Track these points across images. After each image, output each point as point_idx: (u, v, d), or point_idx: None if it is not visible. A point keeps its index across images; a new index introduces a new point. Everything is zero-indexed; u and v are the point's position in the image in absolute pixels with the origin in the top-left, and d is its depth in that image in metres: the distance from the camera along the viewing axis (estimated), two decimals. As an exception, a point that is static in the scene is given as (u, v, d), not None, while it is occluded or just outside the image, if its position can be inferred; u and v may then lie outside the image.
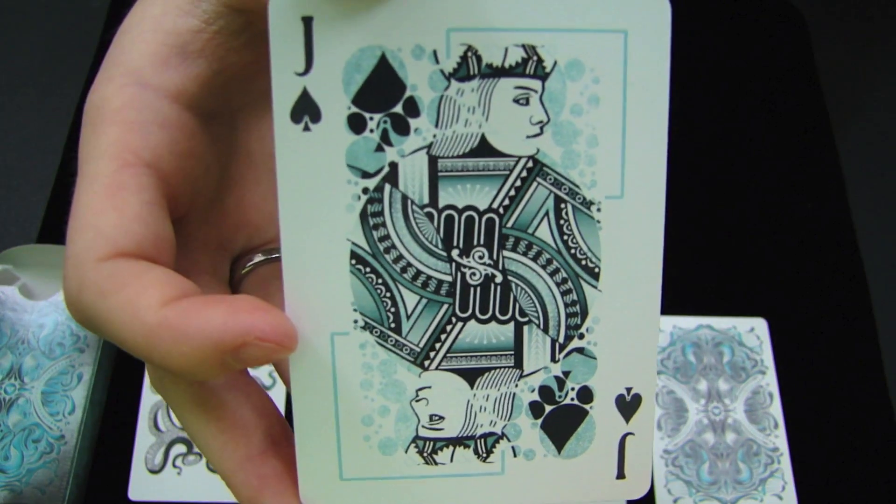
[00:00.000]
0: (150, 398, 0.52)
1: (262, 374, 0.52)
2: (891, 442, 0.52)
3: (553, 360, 0.22)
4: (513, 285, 0.22)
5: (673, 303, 0.55)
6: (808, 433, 0.52)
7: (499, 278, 0.22)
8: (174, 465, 0.50)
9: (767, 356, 0.54)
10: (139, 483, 0.49)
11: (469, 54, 0.20)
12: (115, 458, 0.50)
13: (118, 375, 0.53)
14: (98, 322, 0.19)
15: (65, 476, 0.48)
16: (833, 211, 0.60)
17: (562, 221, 0.21)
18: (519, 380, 0.22)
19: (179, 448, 0.50)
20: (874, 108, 0.70)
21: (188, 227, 0.23)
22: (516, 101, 0.20)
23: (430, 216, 0.21)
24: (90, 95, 0.21)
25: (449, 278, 0.21)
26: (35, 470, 0.48)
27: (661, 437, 0.51)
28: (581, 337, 0.22)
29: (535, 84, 0.20)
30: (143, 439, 0.51)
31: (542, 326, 0.22)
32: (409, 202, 0.21)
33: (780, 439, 0.51)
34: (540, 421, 0.23)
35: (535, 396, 0.23)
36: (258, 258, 0.25)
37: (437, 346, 0.22)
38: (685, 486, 0.50)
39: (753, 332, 0.55)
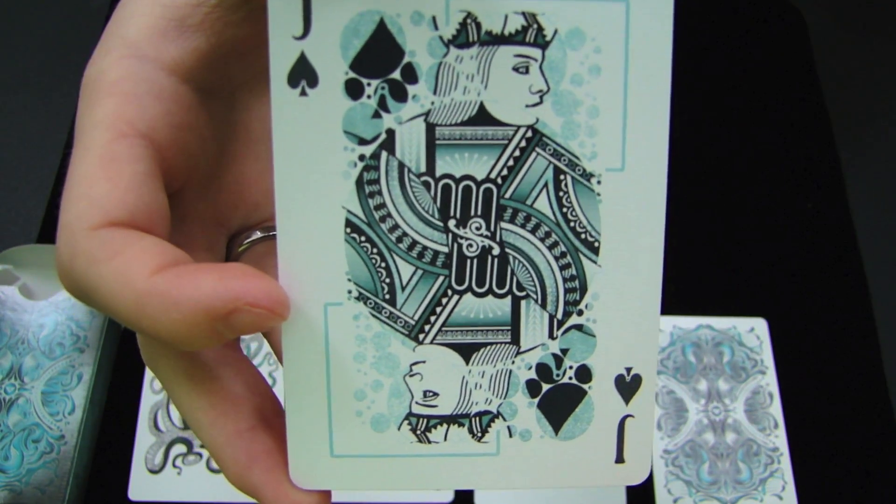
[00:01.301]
0: (150, 398, 0.52)
1: (262, 374, 0.52)
2: (891, 442, 0.52)
3: (551, 336, 0.22)
4: (510, 258, 0.21)
5: (673, 303, 0.55)
6: (808, 433, 0.52)
7: (496, 250, 0.21)
8: (174, 465, 0.50)
9: (767, 356, 0.54)
10: (139, 483, 0.49)
11: (468, 21, 0.20)
12: (115, 458, 0.50)
13: (118, 375, 0.53)
14: (89, 291, 0.19)
15: (65, 476, 0.48)
16: (833, 211, 0.60)
17: (561, 193, 0.21)
18: (516, 356, 0.22)
19: (179, 448, 0.50)
20: (874, 108, 0.70)
21: (185, 201, 0.23)
22: (516, 69, 0.20)
23: (426, 185, 0.21)
24: (88, 68, 0.21)
25: (445, 249, 0.21)
26: (35, 470, 0.48)
27: (661, 437, 0.51)
28: (580, 313, 0.22)
29: (535, 52, 0.20)
30: (143, 439, 0.51)
31: (539, 302, 0.22)
32: (406, 170, 0.21)
33: (780, 439, 0.51)
34: (537, 400, 0.22)
35: (533, 374, 0.22)
36: (256, 235, 0.25)
37: (433, 319, 0.21)
38: (685, 486, 0.50)
39: (753, 332, 0.55)
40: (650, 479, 0.50)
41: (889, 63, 0.71)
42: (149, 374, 0.52)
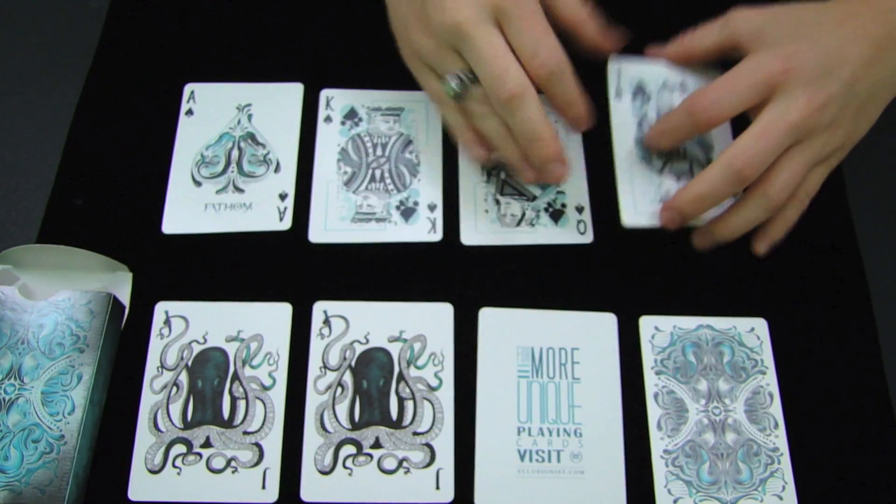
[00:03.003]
0: (150, 398, 0.52)
1: (262, 374, 0.52)
2: (891, 442, 0.52)
3: None
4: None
5: (673, 303, 0.55)
6: (808, 433, 0.52)
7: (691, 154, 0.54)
8: (174, 465, 0.50)
9: (767, 356, 0.54)
10: (139, 483, 0.49)
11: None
12: (115, 458, 0.50)
13: (118, 375, 0.53)
14: None
15: (65, 476, 0.48)
16: (833, 211, 0.60)
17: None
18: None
19: (179, 448, 0.50)
20: (874, 108, 0.70)
21: None
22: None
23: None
24: None
25: None
26: (35, 470, 0.48)
27: (662, 437, 0.51)
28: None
29: None
30: (143, 439, 0.51)
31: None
32: None
33: (780, 439, 0.51)
34: None
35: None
36: None
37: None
38: (685, 486, 0.50)
39: (753, 332, 0.55)
40: (650, 479, 0.50)
41: (889, 63, 0.71)
42: (148, 373, 0.52)
